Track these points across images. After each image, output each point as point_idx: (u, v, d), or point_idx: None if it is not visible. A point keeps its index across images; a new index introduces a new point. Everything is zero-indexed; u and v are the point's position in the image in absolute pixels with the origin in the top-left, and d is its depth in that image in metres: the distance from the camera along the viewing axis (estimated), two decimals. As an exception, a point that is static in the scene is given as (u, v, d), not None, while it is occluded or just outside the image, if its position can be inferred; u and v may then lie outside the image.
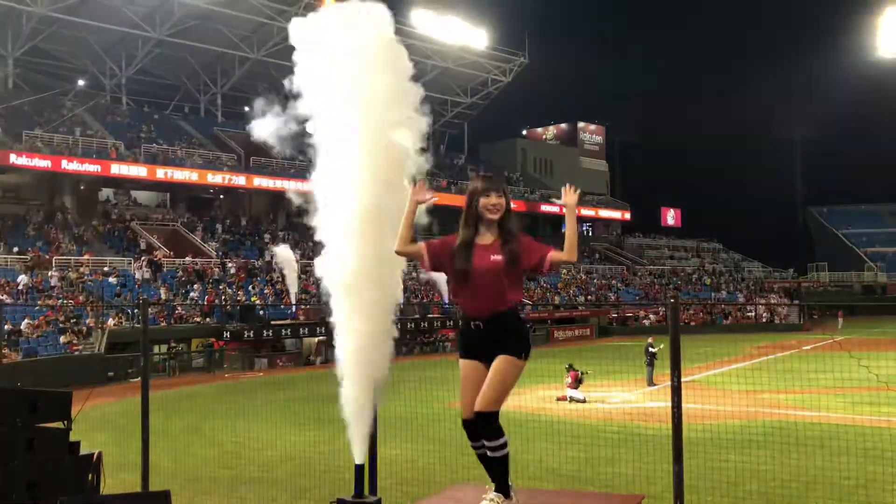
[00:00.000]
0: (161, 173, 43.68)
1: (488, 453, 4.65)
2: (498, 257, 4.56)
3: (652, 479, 10.35)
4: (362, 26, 6.40)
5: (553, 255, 4.60)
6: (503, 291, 4.58)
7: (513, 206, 4.74)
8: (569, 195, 4.66)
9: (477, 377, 4.61)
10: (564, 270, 56.44)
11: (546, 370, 20.08)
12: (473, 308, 4.62)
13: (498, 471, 4.69)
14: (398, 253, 4.82)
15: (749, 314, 56.44)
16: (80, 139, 41.53)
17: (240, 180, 46.77)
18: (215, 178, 45.89)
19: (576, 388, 20.29)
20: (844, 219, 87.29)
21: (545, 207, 61.06)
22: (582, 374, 20.48)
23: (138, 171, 43.02)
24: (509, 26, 67.55)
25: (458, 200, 4.88)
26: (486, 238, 4.63)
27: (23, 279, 31.76)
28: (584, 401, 19.91)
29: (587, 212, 67.65)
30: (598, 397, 20.39)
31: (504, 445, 4.65)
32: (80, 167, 40.34)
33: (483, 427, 4.59)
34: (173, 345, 32.63)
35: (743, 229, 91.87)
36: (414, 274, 46.52)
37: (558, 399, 20.14)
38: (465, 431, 4.72)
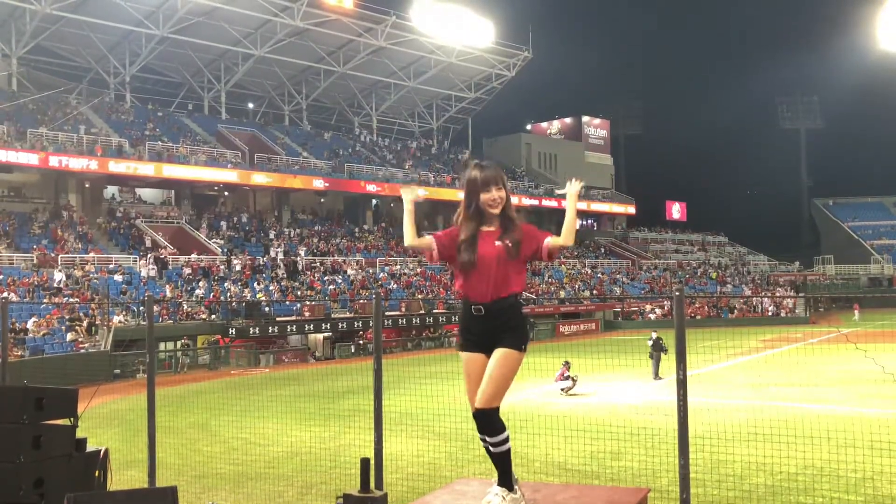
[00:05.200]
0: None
1: (490, 448, 4.69)
2: (500, 244, 4.64)
3: (658, 472, 10.36)
4: None
5: (550, 240, 4.67)
6: (505, 278, 4.64)
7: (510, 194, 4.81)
8: (572, 185, 4.76)
9: (479, 369, 4.65)
10: (569, 265, 56.35)
11: (551, 365, 20.12)
12: (476, 293, 4.66)
13: (500, 465, 4.72)
14: (409, 247, 4.94)
15: (755, 308, 56.31)
16: (85, 136, 41.60)
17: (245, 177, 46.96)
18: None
19: (560, 380, 20.32)
20: (850, 211, 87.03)
21: (548, 203, 60.75)
22: (572, 376, 20.45)
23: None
24: (513, 21, 67.46)
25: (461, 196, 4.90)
26: (489, 227, 4.71)
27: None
28: (560, 391, 19.97)
29: (593, 206, 67.47)
30: (604, 391, 20.36)
31: (505, 440, 4.67)
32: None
33: (484, 423, 4.63)
34: (186, 341, 32.75)
35: (748, 222, 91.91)
36: (419, 269, 46.64)
37: (561, 390, 20.15)
38: (476, 424, 4.74)
